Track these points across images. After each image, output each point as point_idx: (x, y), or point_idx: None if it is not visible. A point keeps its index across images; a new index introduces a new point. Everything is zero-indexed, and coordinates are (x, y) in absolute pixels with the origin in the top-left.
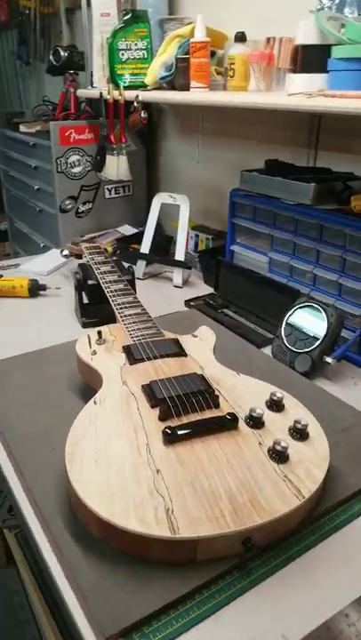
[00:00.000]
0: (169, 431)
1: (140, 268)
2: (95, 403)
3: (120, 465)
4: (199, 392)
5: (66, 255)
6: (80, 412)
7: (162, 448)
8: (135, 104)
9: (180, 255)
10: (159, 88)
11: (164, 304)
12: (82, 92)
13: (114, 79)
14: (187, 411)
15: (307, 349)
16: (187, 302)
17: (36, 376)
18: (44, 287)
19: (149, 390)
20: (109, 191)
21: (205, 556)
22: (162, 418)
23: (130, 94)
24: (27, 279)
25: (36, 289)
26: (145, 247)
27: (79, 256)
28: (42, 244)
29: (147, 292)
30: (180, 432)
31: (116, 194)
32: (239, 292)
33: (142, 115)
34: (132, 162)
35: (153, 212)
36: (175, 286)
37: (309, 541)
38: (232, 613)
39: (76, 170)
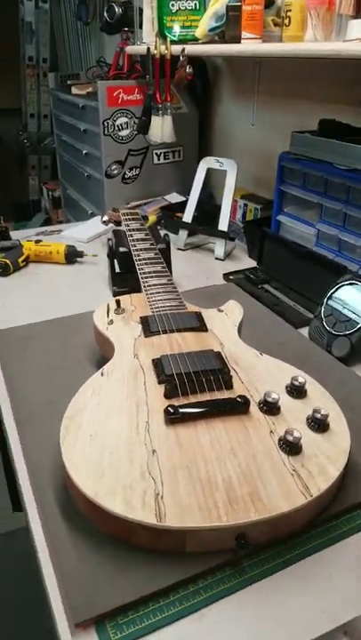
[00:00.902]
0: (171, 410)
1: (181, 237)
2: (102, 374)
3: (115, 442)
4: (212, 371)
5: (105, 222)
6: (85, 383)
7: (162, 427)
8: (181, 58)
9: (223, 225)
10: (211, 42)
11: (202, 277)
12: (130, 49)
13: (162, 32)
14: (195, 390)
15: (347, 332)
16: (225, 276)
17: (58, 343)
18: (80, 254)
19: (159, 365)
20: (158, 156)
21: (195, 547)
22: (167, 395)
23: (176, 49)
24: (64, 245)
25: (72, 255)
26: (187, 216)
27: (118, 223)
28: (89, 211)
29: (186, 264)
30: (182, 411)
31: (165, 159)
32: (283, 266)
33: (187, 70)
34: (184, 125)
35: (198, 178)
36: (216, 258)
37: (316, 544)
38: (216, 614)
39: (124, 133)
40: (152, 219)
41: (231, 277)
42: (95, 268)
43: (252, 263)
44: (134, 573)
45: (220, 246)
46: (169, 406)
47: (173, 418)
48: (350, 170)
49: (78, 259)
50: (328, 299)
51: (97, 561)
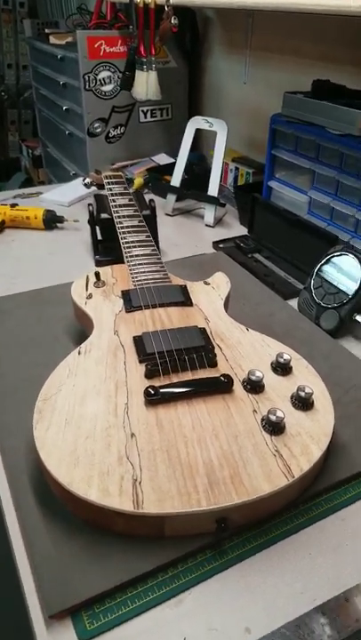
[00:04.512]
0: (151, 391)
1: (169, 202)
2: (79, 353)
3: (92, 426)
4: (195, 348)
5: (86, 184)
6: (61, 363)
7: (142, 410)
8: (166, 8)
9: (213, 190)
10: None
11: (191, 245)
12: None
13: None
14: (177, 369)
15: (335, 305)
16: (215, 244)
17: (34, 317)
18: (61, 219)
19: (140, 343)
20: (145, 114)
21: (174, 532)
22: (148, 375)
23: None
24: (42, 209)
25: (51, 221)
26: (176, 180)
27: (102, 186)
28: (72, 172)
29: (174, 231)
30: (162, 392)
31: (152, 117)
32: (274, 235)
33: (173, 21)
34: (172, 81)
35: (186, 140)
36: (206, 225)
37: (297, 524)
38: (195, 598)
39: (107, 88)
40: (138, 181)
41: (221, 246)
42: (77, 234)
43: (244, 230)
44: (111, 560)
45: (209, 212)
46: (149, 387)
47: (153, 399)
48: (344, 135)
49: (58, 224)
50: (318, 270)
51: (72, 548)
